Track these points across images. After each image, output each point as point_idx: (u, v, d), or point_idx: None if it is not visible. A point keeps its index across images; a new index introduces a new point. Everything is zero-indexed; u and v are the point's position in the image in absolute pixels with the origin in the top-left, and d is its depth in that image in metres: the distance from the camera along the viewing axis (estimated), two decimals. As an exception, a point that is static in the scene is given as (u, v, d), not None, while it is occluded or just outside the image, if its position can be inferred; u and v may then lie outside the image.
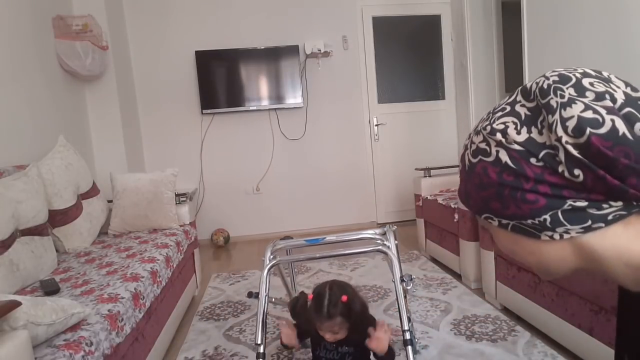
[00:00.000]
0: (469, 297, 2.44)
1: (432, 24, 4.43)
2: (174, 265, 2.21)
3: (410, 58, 4.51)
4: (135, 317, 1.57)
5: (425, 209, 3.19)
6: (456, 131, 4.52)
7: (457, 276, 2.76)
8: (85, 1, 3.32)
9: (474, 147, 0.48)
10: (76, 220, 2.32)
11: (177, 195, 2.78)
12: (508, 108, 0.47)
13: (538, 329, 1.95)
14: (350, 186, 4.45)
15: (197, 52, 4.04)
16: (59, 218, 2.22)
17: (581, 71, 0.44)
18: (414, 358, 1.38)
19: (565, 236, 0.44)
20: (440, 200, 2.91)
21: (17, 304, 1.04)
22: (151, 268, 1.89)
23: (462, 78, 4.18)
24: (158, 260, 2.01)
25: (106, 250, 2.21)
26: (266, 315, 1.52)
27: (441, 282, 2.71)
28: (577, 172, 0.41)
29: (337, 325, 1.35)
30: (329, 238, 1.70)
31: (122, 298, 1.53)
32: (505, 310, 2.23)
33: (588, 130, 0.40)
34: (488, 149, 0.46)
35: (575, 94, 0.42)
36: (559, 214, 0.43)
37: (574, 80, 0.43)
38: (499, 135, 0.45)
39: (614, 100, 0.41)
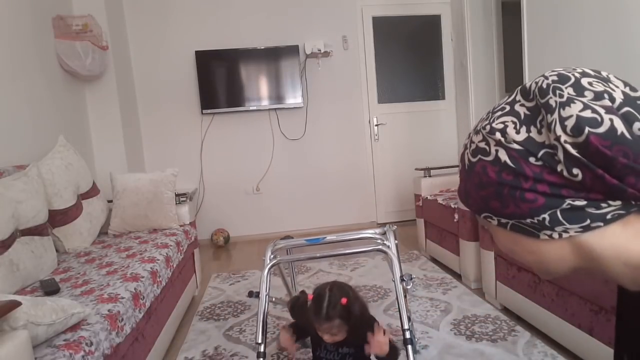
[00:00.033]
0: (469, 297, 2.44)
1: (432, 24, 4.43)
2: (174, 265, 2.21)
3: (410, 58, 4.51)
4: (135, 317, 1.57)
5: (425, 209, 3.19)
6: (456, 131, 4.52)
7: (457, 276, 2.76)
8: (85, 1, 3.32)
9: (473, 146, 0.49)
10: (76, 220, 2.32)
11: (177, 195, 2.78)
12: (507, 107, 0.47)
13: (538, 329, 1.95)
14: (350, 186, 4.45)
15: (197, 52, 4.04)
16: (59, 218, 2.22)
17: (580, 71, 0.45)
18: (414, 358, 1.38)
19: (564, 235, 0.44)
20: (440, 200, 2.91)
21: (17, 304, 1.04)
22: (151, 268, 1.89)
23: (462, 78, 4.18)
24: (158, 260, 2.01)
25: (106, 250, 2.21)
26: (267, 315, 1.52)
27: (441, 282, 2.71)
28: (575, 171, 0.41)
29: (335, 327, 1.34)
30: (329, 238, 1.70)
31: (122, 298, 1.53)
32: (505, 310, 2.23)
33: (587, 129, 0.40)
34: (487, 148, 0.46)
35: (574, 94, 0.42)
36: (558, 213, 0.43)
37: (572, 79, 0.43)
38: (498, 135, 0.46)
39: (612, 99, 0.41)
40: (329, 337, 1.38)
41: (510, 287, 2.12)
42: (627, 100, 0.41)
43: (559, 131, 0.42)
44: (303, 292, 1.51)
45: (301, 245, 1.74)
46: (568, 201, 0.43)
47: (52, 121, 2.83)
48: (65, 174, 2.33)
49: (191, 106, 4.15)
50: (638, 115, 0.40)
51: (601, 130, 0.40)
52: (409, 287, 1.51)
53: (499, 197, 0.46)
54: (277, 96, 4.19)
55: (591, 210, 0.43)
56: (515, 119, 0.45)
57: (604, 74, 0.45)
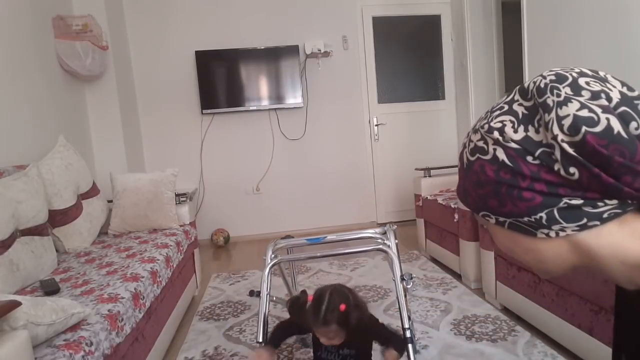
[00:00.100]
0: (469, 297, 2.44)
1: (432, 24, 4.43)
2: (174, 265, 2.21)
3: (410, 58, 4.51)
4: (135, 317, 1.57)
5: (425, 209, 3.19)
6: (456, 131, 4.52)
7: (457, 276, 2.76)
8: (85, 1, 3.32)
9: (472, 145, 0.49)
10: (76, 220, 2.32)
11: (177, 195, 2.79)
12: (506, 107, 0.48)
13: (538, 329, 1.95)
14: (350, 186, 4.45)
15: (197, 52, 4.04)
16: (59, 218, 2.22)
17: (578, 71, 0.45)
18: (414, 357, 1.38)
19: (561, 234, 0.45)
20: (440, 200, 2.91)
21: (17, 304, 1.04)
22: (151, 268, 1.89)
23: (462, 78, 4.18)
24: (158, 260, 2.01)
25: (106, 250, 2.21)
26: (267, 314, 1.52)
27: (441, 282, 2.71)
28: (572, 170, 0.42)
29: (332, 332, 1.33)
30: (330, 237, 1.70)
31: (122, 298, 1.53)
32: (505, 310, 2.23)
33: (583, 128, 0.41)
34: (486, 147, 0.47)
35: (571, 93, 0.43)
36: (555, 211, 0.44)
37: (570, 79, 0.44)
38: (496, 134, 0.46)
39: (609, 99, 0.42)
40: (326, 340, 1.38)
41: (510, 287, 2.12)
42: (624, 99, 0.42)
43: (556, 130, 0.42)
44: (304, 292, 1.50)
45: (302, 245, 1.74)
46: (565, 200, 0.43)
47: (52, 121, 2.83)
48: (65, 174, 2.33)
49: (191, 106, 4.15)
50: (635, 115, 0.41)
51: (598, 129, 0.40)
52: (409, 286, 1.51)
53: (496, 195, 0.46)
54: (277, 96, 4.19)
55: (588, 209, 0.43)
56: (513, 118, 0.46)
57: (602, 74, 0.45)
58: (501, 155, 0.45)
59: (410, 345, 1.39)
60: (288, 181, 4.36)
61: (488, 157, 0.46)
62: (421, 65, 4.51)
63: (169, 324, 2.08)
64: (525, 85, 0.47)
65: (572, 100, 0.42)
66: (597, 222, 0.43)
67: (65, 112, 3.04)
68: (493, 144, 0.46)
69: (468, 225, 2.52)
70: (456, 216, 2.63)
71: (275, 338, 1.50)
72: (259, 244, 4.01)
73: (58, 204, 2.22)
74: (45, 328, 1.13)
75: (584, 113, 0.41)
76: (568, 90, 0.43)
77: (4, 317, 1.02)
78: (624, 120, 0.40)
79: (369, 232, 1.75)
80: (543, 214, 0.44)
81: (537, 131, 0.44)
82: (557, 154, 0.42)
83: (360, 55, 4.35)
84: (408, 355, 1.38)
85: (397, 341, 1.41)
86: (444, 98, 4.51)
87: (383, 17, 4.37)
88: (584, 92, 0.42)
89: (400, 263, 1.56)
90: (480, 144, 0.48)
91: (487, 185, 0.47)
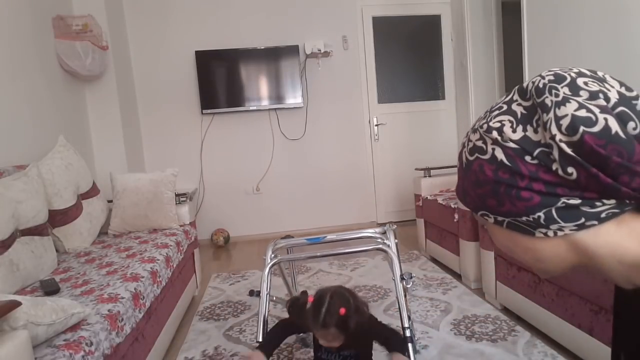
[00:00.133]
0: (469, 297, 2.44)
1: (432, 24, 4.43)
2: (174, 265, 2.21)
3: (410, 58, 4.51)
4: (135, 317, 1.57)
5: (425, 209, 3.19)
6: (456, 131, 4.52)
7: (457, 276, 2.76)
8: (85, 1, 3.33)
9: (471, 144, 0.49)
10: (76, 220, 2.32)
11: (177, 195, 2.79)
12: (505, 107, 0.48)
13: (538, 329, 1.95)
14: (350, 186, 4.45)
15: (197, 52, 4.04)
16: (59, 218, 2.22)
17: (576, 71, 0.45)
18: (414, 357, 1.38)
19: (559, 233, 0.45)
20: (440, 200, 2.91)
21: (17, 304, 1.04)
22: (151, 268, 1.89)
23: (462, 78, 4.18)
24: (158, 260, 2.01)
25: (106, 250, 2.21)
26: (267, 314, 1.52)
27: (441, 282, 2.71)
28: (570, 170, 0.42)
29: (330, 334, 1.32)
30: (330, 237, 1.71)
31: (122, 298, 1.53)
32: (505, 310, 2.23)
33: (581, 128, 0.41)
34: (484, 146, 0.47)
35: (569, 93, 0.43)
36: (553, 211, 0.44)
37: (568, 79, 0.44)
38: (495, 133, 0.46)
39: (607, 99, 0.42)
40: (325, 342, 1.37)
41: (510, 287, 2.12)
42: (622, 100, 0.42)
43: (554, 130, 0.42)
44: (304, 292, 1.49)
45: (302, 245, 1.74)
46: (563, 200, 0.43)
47: (52, 121, 2.83)
48: (65, 174, 2.33)
49: (191, 106, 4.16)
50: (633, 115, 0.41)
51: (595, 129, 0.40)
52: (409, 285, 1.51)
53: (495, 195, 0.46)
54: (277, 96, 4.19)
55: (586, 208, 0.43)
56: (512, 118, 0.46)
57: (600, 74, 0.45)
58: (500, 155, 0.45)
59: (410, 345, 1.39)
60: (288, 181, 4.36)
61: (487, 156, 0.47)
62: (421, 65, 4.51)
63: (169, 324, 2.08)
64: (524, 85, 0.47)
65: (570, 100, 0.42)
66: (595, 222, 0.43)
67: (65, 112, 3.04)
68: (492, 144, 0.46)
69: (468, 225, 2.52)
70: (456, 216, 2.63)
71: (273, 338, 1.50)
72: (259, 244, 4.02)
73: (58, 204, 2.22)
74: (45, 328, 1.13)
75: (582, 113, 0.41)
76: (566, 90, 0.43)
77: (4, 317, 1.02)
78: (622, 120, 0.41)
79: (368, 232, 1.75)
80: (541, 214, 0.44)
81: (535, 131, 0.44)
82: (555, 153, 0.42)
83: (360, 55, 4.35)
84: (408, 355, 1.38)
85: (398, 342, 1.40)
86: (444, 98, 4.51)
87: (383, 17, 4.37)
88: (582, 92, 0.43)
89: (400, 263, 1.56)
90: (479, 143, 0.48)
91: (486, 184, 0.47)
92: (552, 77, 0.45)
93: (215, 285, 3.00)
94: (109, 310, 1.41)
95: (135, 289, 1.64)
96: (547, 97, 0.43)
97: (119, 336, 1.40)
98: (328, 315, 1.28)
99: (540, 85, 0.45)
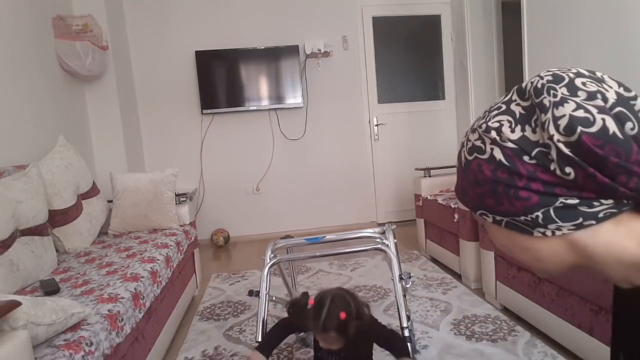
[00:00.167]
0: (469, 297, 2.44)
1: (432, 24, 4.43)
2: (174, 265, 2.21)
3: (410, 58, 4.51)
4: (135, 317, 1.58)
5: (425, 209, 3.19)
6: (456, 131, 4.52)
7: (457, 276, 2.76)
8: (85, 1, 3.33)
9: (469, 144, 0.50)
10: (76, 220, 2.32)
11: (177, 195, 2.79)
12: (504, 107, 0.48)
13: (538, 329, 1.95)
14: (350, 186, 4.45)
15: (197, 52, 4.04)
16: (59, 218, 2.22)
17: (575, 71, 0.45)
18: (414, 357, 1.38)
19: (557, 233, 0.45)
20: (440, 200, 2.91)
21: (17, 304, 1.04)
22: (151, 268, 1.89)
23: (462, 78, 4.18)
24: (158, 260, 2.01)
25: (106, 250, 2.21)
26: (267, 314, 1.52)
27: (441, 282, 2.71)
28: (568, 170, 0.42)
29: (330, 338, 1.31)
30: (329, 237, 1.71)
31: (122, 298, 1.53)
32: (505, 310, 2.23)
33: (579, 128, 0.41)
34: (483, 146, 0.47)
35: (567, 94, 0.43)
36: (551, 211, 0.44)
37: (566, 80, 0.44)
38: (493, 133, 0.46)
39: (605, 99, 0.42)
40: (325, 344, 1.37)
41: (510, 287, 2.12)
42: (620, 100, 0.42)
43: (552, 130, 0.42)
44: (305, 294, 1.49)
45: (301, 244, 1.75)
46: (561, 199, 0.43)
47: (52, 121, 2.83)
48: (65, 174, 2.33)
49: (191, 106, 4.16)
50: (630, 115, 0.41)
51: (593, 129, 0.41)
52: (408, 285, 1.51)
53: (493, 194, 0.47)
54: (277, 96, 4.19)
55: (583, 208, 0.43)
56: (510, 118, 0.46)
57: (599, 74, 0.45)
58: (498, 154, 0.46)
59: (409, 344, 1.39)
60: (288, 181, 4.36)
61: (485, 156, 0.47)
62: (421, 65, 4.51)
63: (169, 324, 2.08)
64: (523, 85, 0.47)
65: (568, 101, 0.42)
66: (593, 222, 0.43)
67: (65, 112, 3.04)
68: (490, 144, 0.47)
69: (468, 225, 2.52)
70: (456, 216, 2.63)
71: (273, 338, 1.50)
72: (259, 244, 4.02)
73: (58, 204, 2.22)
74: (45, 328, 1.14)
75: (580, 113, 0.41)
76: (564, 90, 0.43)
77: (4, 317, 1.02)
78: (620, 120, 0.41)
79: (367, 232, 1.76)
80: (539, 213, 0.45)
81: (534, 131, 0.44)
82: (553, 153, 0.43)
83: (360, 55, 4.35)
84: (412, 356, 1.38)
85: (404, 347, 1.39)
86: (444, 98, 4.51)
87: (383, 17, 4.37)
88: (580, 93, 0.43)
89: (399, 262, 1.56)
90: (478, 143, 0.48)
91: (485, 184, 0.47)
92: (550, 78, 0.45)
93: (215, 285, 3.00)
94: (109, 310, 1.41)
95: (135, 289, 1.64)
96: (545, 97, 0.44)
97: (119, 336, 1.40)
98: (328, 319, 1.27)
99: (539, 86, 0.45)
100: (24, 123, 2.52)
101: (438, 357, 1.85)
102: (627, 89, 0.44)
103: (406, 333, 1.40)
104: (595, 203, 0.43)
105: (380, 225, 3.74)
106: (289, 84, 4.18)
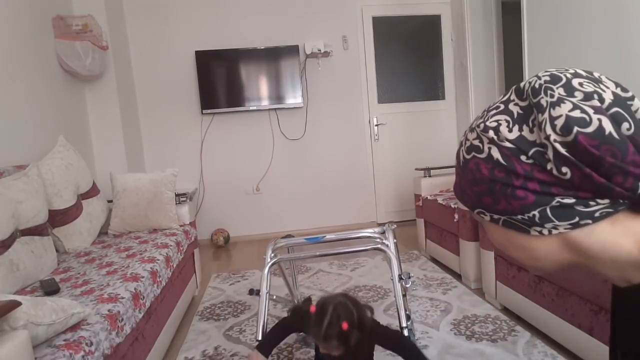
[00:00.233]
0: (469, 297, 2.44)
1: (432, 24, 4.43)
2: (174, 265, 2.21)
3: (410, 58, 4.51)
4: (135, 317, 1.58)
5: (425, 209, 3.19)
6: (456, 131, 4.52)
7: (457, 276, 2.76)
8: (85, 1, 3.33)
9: (468, 143, 0.50)
10: (76, 220, 2.32)
11: (177, 195, 2.79)
12: (502, 106, 0.48)
13: (538, 329, 1.95)
14: (350, 186, 4.45)
15: (197, 52, 4.05)
16: (59, 218, 2.23)
17: (572, 72, 0.46)
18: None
19: (554, 232, 0.46)
20: (440, 200, 2.91)
21: (17, 304, 1.05)
22: (151, 268, 1.89)
23: (462, 78, 4.18)
24: (158, 260, 2.01)
25: (106, 250, 2.21)
26: (267, 313, 1.52)
27: (441, 282, 2.71)
28: (564, 169, 0.42)
29: (331, 346, 1.29)
30: (329, 236, 1.71)
31: (122, 298, 1.53)
32: (505, 310, 2.23)
33: (575, 129, 0.41)
34: (481, 145, 0.48)
35: (564, 94, 0.43)
36: (548, 210, 0.45)
37: (564, 80, 0.45)
38: (491, 133, 0.47)
39: (602, 100, 0.42)
40: (325, 350, 1.36)
41: (510, 287, 2.12)
42: (617, 100, 0.42)
43: (549, 130, 0.43)
44: (308, 299, 1.47)
45: (301, 244, 1.75)
46: (557, 199, 0.44)
47: (52, 121, 2.83)
48: (65, 174, 2.33)
49: (191, 106, 4.16)
50: (627, 116, 0.41)
51: (589, 130, 0.41)
52: (407, 285, 1.51)
53: (491, 193, 0.47)
54: (277, 96, 4.19)
55: (580, 208, 0.44)
56: (508, 118, 0.47)
57: (596, 75, 0.46)
58: (496, 154, 0.46)
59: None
60: (288, 181, 4.36)
61: (483, 155, 0.47)
62: (421, 65, 4.51)
63: (169, 324, 2.08)
64: (521, 85, 0.48)
65: (565, 101, 0.43)
66: (589, 221, 0.44)
67: (65, 112, 3.04)
68: (488, 143, 0.47)
69: (468, 225, 2.52)
70: (456, 216, 2.63)
71: (273, 337, 1.50)
72: (259, 244, 4.02)
73: (58, 204, 2.22)
74: (45, 328, 1.14)
75: (576, 114, 0.42)
76: (561, 91, 0.44)
77: (4, 317, 1.02)
78: (616, 121, 0.41)
79: (367, 232, 1.76)
80: (536, 212, 0.45)
81: (531, 131, 0.45)
82: (550, 153, 0.43)
83: (360, 55, 4.35)
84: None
85: (414, 353, 1.38)
86: (444, 98, 4.51)
87: (383, 17, 4.37)
88: (577, 93, 0.43)
89: (399, 262, 1.56)
90: (476, 142, 0.49)
91: (482, 183, 0.48)
92: (548, 78, 0.45)
93: (215, 285, 3.00)
94: (109, 310, 1.41)
95: (135, 289, 1.64)
96: (542, 97, 0.44)
97: (119, 336, 1.41)
98: (330, 329, 1.25)
99: (536, 86, 0.45)
100: (24, 123, 2.53)
101: (438, 357, 1.85)
102: (624, 90, 0.44)
103: (406, 333, 1.40)
104: (592, 203, 0.43)
105: (380, 225, 3.75)
106: (289, 84, 4.18)
